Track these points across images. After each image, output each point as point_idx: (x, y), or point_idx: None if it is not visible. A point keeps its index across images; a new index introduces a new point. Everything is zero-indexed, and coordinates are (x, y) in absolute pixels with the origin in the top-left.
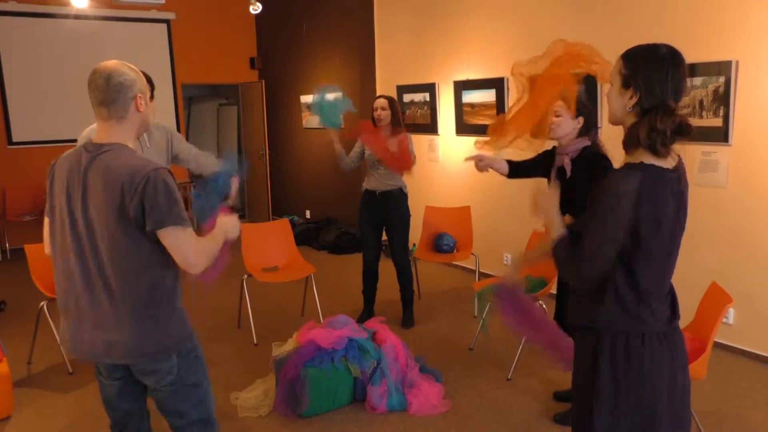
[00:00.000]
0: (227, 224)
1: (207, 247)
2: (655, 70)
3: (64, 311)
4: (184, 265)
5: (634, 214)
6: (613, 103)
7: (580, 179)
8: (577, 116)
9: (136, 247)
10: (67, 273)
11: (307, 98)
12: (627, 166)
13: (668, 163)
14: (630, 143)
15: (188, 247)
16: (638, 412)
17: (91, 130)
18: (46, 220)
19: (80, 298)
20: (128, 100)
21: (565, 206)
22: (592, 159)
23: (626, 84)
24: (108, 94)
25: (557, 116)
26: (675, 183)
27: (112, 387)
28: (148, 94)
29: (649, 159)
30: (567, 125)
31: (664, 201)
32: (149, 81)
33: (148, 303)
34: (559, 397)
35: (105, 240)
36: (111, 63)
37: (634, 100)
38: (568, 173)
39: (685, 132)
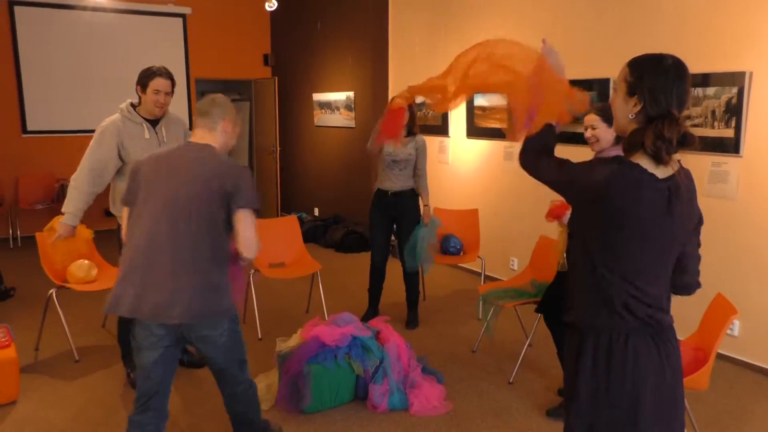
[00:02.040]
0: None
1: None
2: (660, 80)
3: (131, 276)
4: (245, 244)
5: (605, 204)
6: (617, 110)
7: None
8: (611, 124)
9: (217, 227)
10: (145, 244)
11: (319, 96)
12: (605, 159)
13: (660, 172)
14: (631, 148)
15: (254, 231)
16: (617, 412)
17: (111, 122)
18: (126, 210)
19: (156, 263)
20: (219, 119)
21: None
22: None
23: (631, 92)
24: (207, 108)
25: (593, 129)
26: (660, 192)
27: (156, 354)
28: (237, 129)
29: (643, 163)
30: (604, 135)
31: (644, 199)
32: (154, 72)
33: (212, 274)
34: (562, 392)
35: (194, 217)
36: (220, 94)
37: (638, 108)
38: None
39: (689, 143)
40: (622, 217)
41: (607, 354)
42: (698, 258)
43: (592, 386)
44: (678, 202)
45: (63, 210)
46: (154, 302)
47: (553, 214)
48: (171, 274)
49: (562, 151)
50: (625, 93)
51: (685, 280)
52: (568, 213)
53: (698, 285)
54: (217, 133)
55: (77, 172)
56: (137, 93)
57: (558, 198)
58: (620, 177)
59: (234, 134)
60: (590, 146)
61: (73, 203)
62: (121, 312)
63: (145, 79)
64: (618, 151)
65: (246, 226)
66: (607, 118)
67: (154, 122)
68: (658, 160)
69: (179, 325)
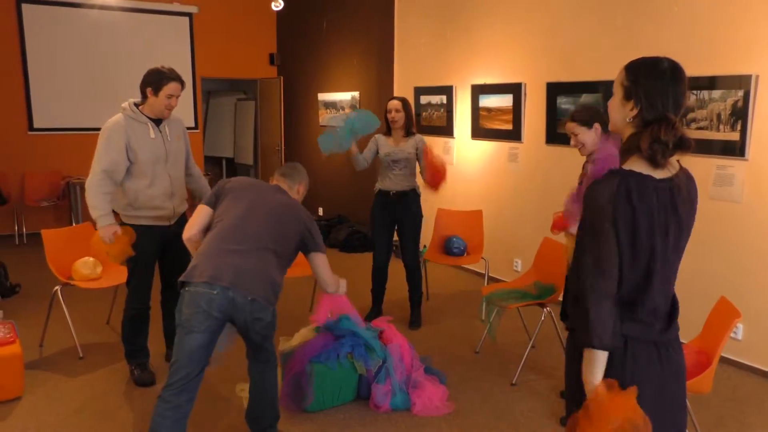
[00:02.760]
0: (342, 286)
1: (336, 282)
2: (656, 84)
3: (213, 250)
4: (324, 282)
5: (614, 220)
6: (614, 114)
7: None
8: (590, 126)
9: (289, 243)
10: (236, 226)
11: (324, 96)
12: (602, 177)
13: (659, 174)
14: (627, 152)
15: (327, 271)
16: None
17: (116, 123)
18: (207, 209)
19: (236, 243)
20: (296, 182)
21: None
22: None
23: (628, 95)
24: (290, 171)
25: (575, 136)
26: (662, 192)
27: (205, 338)
28: (305, 190)
29: (639, 167)
30: (587, 138)
31: (645, 205)
32: (169, 77)
33: (277, 268)
34: (565, 395)
35: (276, 224)
36: (298, 164)
37: (635, 111)
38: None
39: (685, 146)
40: (627, 224)
41: (607, 360)
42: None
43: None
44: (682, 204)
45: (93, 216)
46: (234, 274)
47: (558, 226)
48: (249, 255)
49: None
50: (621, 97)
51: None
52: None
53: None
54: (294, 192)
55: (91, 177)
56: (147, 94)
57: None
58: (623, 188)
59: (303, 196)
60: (579, 152)
61: (100, 205)
62: (203, 275)
63: (158, 82)
64: (610, 146)
65: (320, 266)
66: (584, 120)
67: (157, 121)
68: (654, 163)
69: (240, 306)
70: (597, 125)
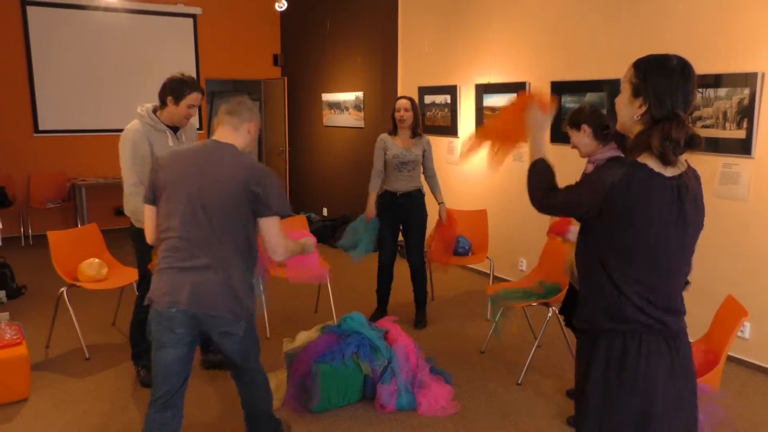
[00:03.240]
0: (308, 243)
1: (292, 245)
2: (665, 81)
3: (168, 268)
4: (274, 249)
5: (608, 206)
6: (622, 111)
7: None
8: (579, 128)
9: (244, 227)
10: (183, 242)
11: (328, 96)
12: (613, 162)
13: (668, 171)
14: (637, 148)
15: (280, 237)
16: (628, 414)
17: (136, 131)
18: (152, 208)
19: (187, 260)
20: (245, 119)
21: None
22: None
23: (636, 93)
24: (235, 107)
25: (570, 138)
26: (670, 190)
27: (178, 352)
28: (257, 132)
29: (650, 163)
30: (577, 140)
31: (653, 200)
32: (191, 87)
33: (242, 274)
34: (571, 394)
35: (221, 217)
36: (246, 97)
37: (644, 109)
38: None
39: (695, 144)
40: (633, 217)
41: (621, 357)
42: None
43: (604, 389)
44: (688, 201)
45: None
46: (192, 295)
47: (554, 230)
48: (207, 270)
49: (568, 149)
50: (630, 94)
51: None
52: (573, 229)
53: (687, 283)
54: (241, 133)
55: (127, 189)
56: (167, 102)
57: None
58: (630, 178)
59: (255, 137)
60: (580, 155)
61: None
62: (163, 302)
63: (180, 91)
64: (611, 153)
65: (272, 234)
66: (572, 122)
67: (174, 129)
68: (665, 161)
69: (203, 320)
70: (584, 126)
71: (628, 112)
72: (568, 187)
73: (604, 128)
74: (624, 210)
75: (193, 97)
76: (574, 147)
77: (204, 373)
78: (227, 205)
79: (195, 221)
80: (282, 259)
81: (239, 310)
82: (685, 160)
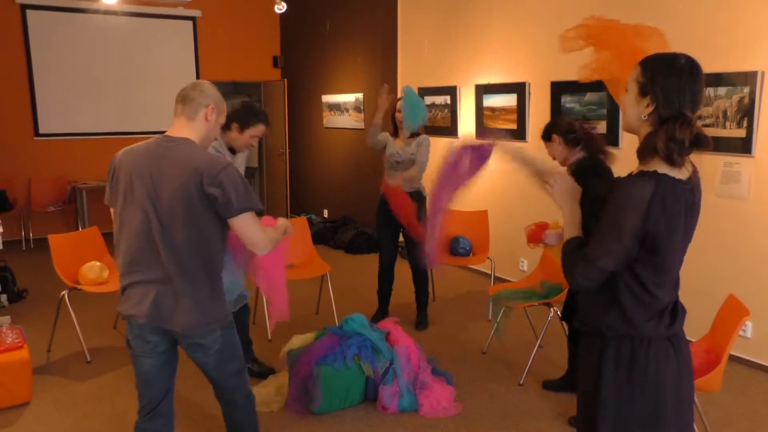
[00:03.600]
0: (285, 224)
1: (272, 234)
2: (673, 80)
3: (128, 284)
4: (254, 246)
5: (646, 223)
6: (629, 111)
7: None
8: (551, 140)
9: (201, 230)
10: (136, 249)
11: (328, 98)
12: (641, 173)
13: (682, 174)
14: (645, 152)
15: (258, 231)
16: (643, 419)
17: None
18: (113, 210)
19: (149, 271)
20: (201, 105)
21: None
22: (585, 170)
23: (643, 92)
24: (188, 93)
25: (547, 150)
26: (688, 194)
27: (154, 362)
28: (222, 117)
29: (663, 168)
30: (554, 150)
31: (677, 212)
32: (258, 118)
33: (205, 280)
34: (549, 386)
35: (175, 221)
36: (204, 80)
37: (651, 108)
38: None
39: (702, 144)
40: (662, 228)
41: (630, 361)
42: None
43: (615, 393)
44: (694, 206)
45: None
46: (161, 309)
47: (531, 240)
48: (171, 282)
49: None
50: (636, 93)
51: None
52: (548, 233)
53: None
54: (198, 122)
55: None
56: (231, 127)
57: (531, 222)
58: (662, 192)
59: (218, 124)
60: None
61: None
62: (134, 318)
63: (247, 121)
64: (580, 153)
65: (248, 232)
66: (545, 137)
67: (231, 150)
68: (671, 162)
69: (170, 331)
70: (554, 136)
71: (635, 112)
72: (596, 230)
73: (570, 132)
74: (659, 219)
75: (258, 129)
76: (553, 158)
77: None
78: (182, 212)
79: (148, 232)
80: (267, 252)
81: (208, 320)
82: (691, 162)
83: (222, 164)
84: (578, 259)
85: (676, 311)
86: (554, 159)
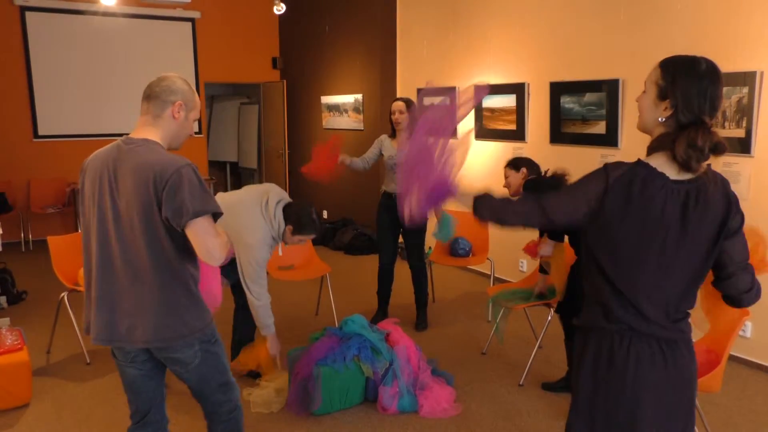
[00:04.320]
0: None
1: (225, 240)
2: (694, 85)
3: (89, 298)
4: (206, 255)
5: (604, 205)
6: (646, 113)
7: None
8: (518, 170)
9: (160, 237)
10: (95, 261)
11: (327, 99)
12: (617, 162)
13: (677, 174)
14: (657, 148)
15: (212, 239)
16: (615, 416)
17: (265, 235)
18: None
19: (106, 284)
20: (167, 102)
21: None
22: (537, 181)
23: (662, 95)
24: (153, 89)
25: (506, 177)
26: (675, 193)
27: (136, 370)
28: (193, 113)
29: (657, 163)
30: (512, 179)
31: (646, 200)
32: (313, 229)
33: (169, 293)
34: (547, 387)
35: (132, 229)
36: (171, 73)
37: (669, 112)
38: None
39: (720, 151)
40: (627, 213)
41: (609, 358)
42: (742, 265)
43: (592, 388)
44: (695, 207)
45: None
46: (112, 327)
47: (530, 252)
48: (129, 296)
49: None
50: (655, 96)
51: (728, 289)
52: (543, 246)
53: (748, 298)
54: (165, 120)
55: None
56: (286, 229)
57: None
58: (631, 174)
59: (190, 122)
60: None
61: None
62: (93, 338)
63: (301, 229)
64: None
65: (202, 237)
66: (514, 165)
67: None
68: (687, 168)
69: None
70: (523, 169)
71: (653, 115)
72: (549, 194)
73: (537, 175)
74: (621, 204)
75: (309, 237)
76: (507, 185)
77: None
78: (140, 220)
79: (106, 242)
80: (222, 260)
81: (181, 333)
82: (708, 164)
83: (177, 165)
84: (524, 200)
85: (670, 315)
86: (508, 187)
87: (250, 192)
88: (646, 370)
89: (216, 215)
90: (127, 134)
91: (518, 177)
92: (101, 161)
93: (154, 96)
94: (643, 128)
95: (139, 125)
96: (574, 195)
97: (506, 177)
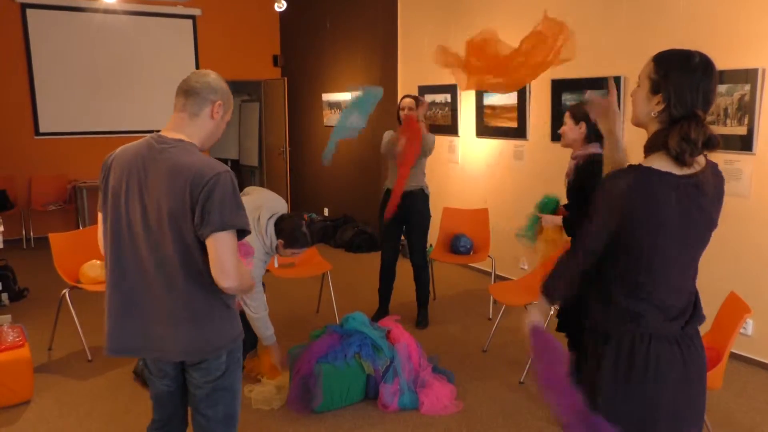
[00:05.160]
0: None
1: (245, 271)
2: (687, 79)
3: (111, 307)
4: (220, 273)
5: (625, 216)
6: (639, 107)
7: (578, 185)
8: (577, 123)
9: (189, 243)
10: (123, 267)
11: (328, 96)
12: (621, 170)
13: (681, 171)
14: (652, 147)
15: (231, 257)
16: (636, 417)
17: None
18: (100, 216)
19: (134, 293)
20: (207, 100)
21: (569, 209)
22: (596, 167)
23: (655, 89)
24: (192, 86)
25: (564, 124)
26: (685, 188)
27: (166, 387)
28: (228, 114)
29: (661, 163)
30: (570, 132)
31: (663, 203)
32: (305, 245)
33: (201, 301)
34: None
35: (162, 235)
36: (210, 70)
37: (662, 106)
38: (569, 177)
39: (713, 145)
40: (646, 219)
41: (629, 360)
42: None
43: (613, 389)
44: (706, 199)
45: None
46: (143, 338)
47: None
48: (161, 304)
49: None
50: (648, 90)
51: None
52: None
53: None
54: (202, 119)
55: None
56: (278, 244)
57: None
58: (642, 182)
59: (224, 123)
60: (562, 143)
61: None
62: (112, 350)
63: (293, 244)
64: (593, 149)
65: (222, 254)
66: (575, 115)
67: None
68: (680, 161)
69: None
70: (582, 125)
71: (645, 109)
72: (580, 233)
73: (598, 136)
74: (638, 213)
75: (301, 252)
76: (563, 133)
77: None
78: (170, 224)
79: (135, 245)
80: (234, 285)
81: (212, 345)
82: (705, 157)
83: (215, 171)
84: (563, 260)
85: (695, 311)
86: (562, 134)
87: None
88: (665, 368)
89: (243, 232)
90: (158, 131)
91: (575, 131)
92: (130, 158)
93: (193, 93)
94: (636, 122)
95: (174, 122)
96: (599, 234)
97: (564, 123)
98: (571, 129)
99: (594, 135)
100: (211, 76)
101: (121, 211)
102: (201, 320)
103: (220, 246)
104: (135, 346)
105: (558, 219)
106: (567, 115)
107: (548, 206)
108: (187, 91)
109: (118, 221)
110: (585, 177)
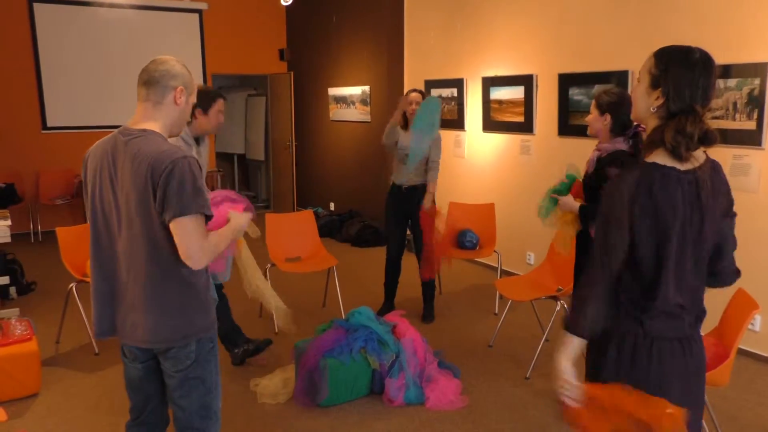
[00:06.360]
0: (240, 222)
1: (213, 243)
2: (686, 74)
3: (94, 293)
4: (185, 257)
5: (632, 210)
6: (639, 102)
7: (596, 178)
8: (602, 113)
9: (155, 231)
10: (101, 258)
11: (334, 90)
12: (624, 170)
13: (682, 165)
14: (651, 145)
15: (195, 241)
16: None
17: (184, 149)
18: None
19: (111, 281)
20: (168, 87)
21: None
22: (617, 164)
23: (655, 84)
24: (152, 75)
25: (590, 114)
26: (687, 185)
27: (136, 370)
28: (192, 97)
29: (663, 160)
30: (595, 122)
31: (670, 200)
32: (214, 95)
33: (171, 289)
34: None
35: (131, 225)
36: (168, 56)
37: (661, 101)
38: (589, 169)
39: (710, 140)
40: (656, 216)
41: (631, 358)
42: (734, 242)
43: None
44: (708, 194)
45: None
46: (115, 323)
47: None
48: (131, 292)
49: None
50: (648, 85)
51: (721, 266)
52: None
53: (735, 273)
54: (166, 106)
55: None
56: (195, 115)
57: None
58: (648, 178)
59: (189, 106)
60: (588, 131)
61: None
62: (96, 333)
63: (207, 102)
64: (617, 145)
65: (184, 237)
66: (600, 105)
67: (197, 139)
68: (677, 155)
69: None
70: (607, 116)
71: (645, 104)
72: (597, 241)
73: (624, 127)
74: (640, 212)
75: (220, 103)
76: (588, 121)
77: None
78: (138, 214)
79: (108, 237)
80: (203, 264)
81: (180, 333)
82: (704, 152)
83: (173, 157)
84: (591, 271)
85: (689, 309)
86: (588, 122)
87: None
88: (667, 364)
89: (207, 217)
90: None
91: (600, 121)
92: (101, 153)
93: (153, 81)
94: (636, 117)
95: (139, 113)
96: (623, 239)
97: (591, 112)
98: (596, 119)
99: (619, 128)
100: (170, 63)
101: (96, 205)
102: (169, 308)
103: (182, 231)
104: (113, 330)
105: (575, 206)
106: (593, 104)
107: (566, 187)
108: (148, 81)
109: (95, 214)
110: (604, 173)
